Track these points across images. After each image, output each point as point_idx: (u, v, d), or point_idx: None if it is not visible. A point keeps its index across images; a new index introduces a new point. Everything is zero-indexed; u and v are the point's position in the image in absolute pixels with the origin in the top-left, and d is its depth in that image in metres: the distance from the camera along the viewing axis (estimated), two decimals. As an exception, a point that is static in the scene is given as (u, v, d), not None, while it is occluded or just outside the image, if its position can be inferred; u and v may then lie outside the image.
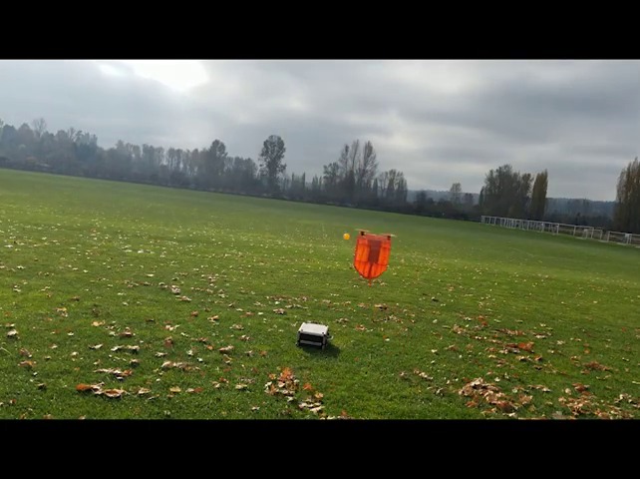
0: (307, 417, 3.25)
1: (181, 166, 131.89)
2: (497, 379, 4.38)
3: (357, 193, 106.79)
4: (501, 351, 5.32)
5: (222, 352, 4.24)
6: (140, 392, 3.29)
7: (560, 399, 4.07)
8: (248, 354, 4.27)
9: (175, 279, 7.04)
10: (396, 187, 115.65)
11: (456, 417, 3.52)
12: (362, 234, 3.68)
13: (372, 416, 3.36)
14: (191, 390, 3.42)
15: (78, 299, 5.35)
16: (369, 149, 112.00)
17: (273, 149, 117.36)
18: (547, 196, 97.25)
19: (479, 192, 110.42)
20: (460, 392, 3.96)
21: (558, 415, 3.71)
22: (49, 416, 2.86)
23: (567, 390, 4.33)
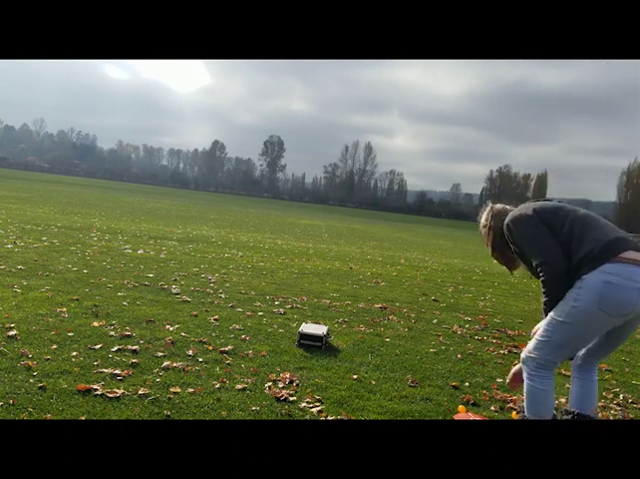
0: (307, 417, 3.25)
1: (181, 166, 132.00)
2: (498, 379, 4.38)
3: (357, 193, 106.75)
4: (502, 351, 5.32)
5: (222, 352, 4.24)
6: (140, 392, 3.28)
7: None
8: (248, 354, 4.27)
9: (175, 279, 7.04)
10: (396, 187, 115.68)
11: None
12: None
13: (372, 416, 3.36)
14: (191, 390, 3.42)
15: (78, 299, 5.34)
16: (369, 149, 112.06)
17: (273, 149, 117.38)
18: (547, 196, 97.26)
19: (479, 192, 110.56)
20: (460, 392, 3.96)
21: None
22: (49, 416, 2.86)
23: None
